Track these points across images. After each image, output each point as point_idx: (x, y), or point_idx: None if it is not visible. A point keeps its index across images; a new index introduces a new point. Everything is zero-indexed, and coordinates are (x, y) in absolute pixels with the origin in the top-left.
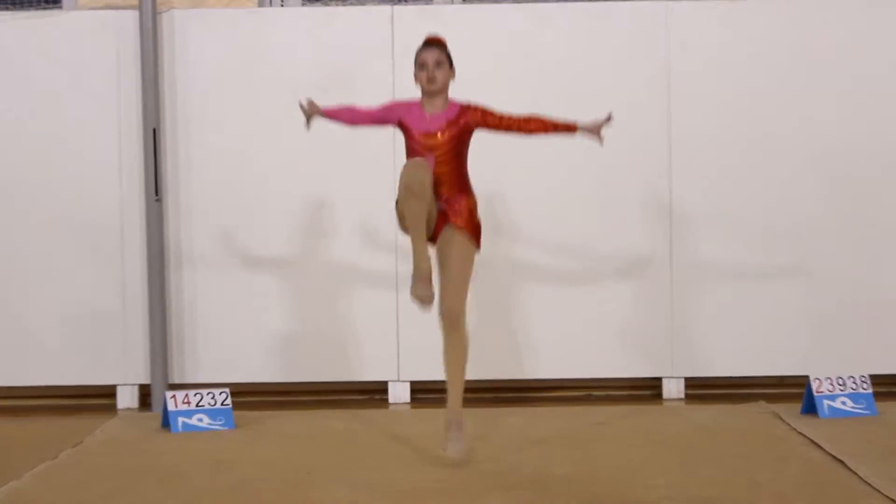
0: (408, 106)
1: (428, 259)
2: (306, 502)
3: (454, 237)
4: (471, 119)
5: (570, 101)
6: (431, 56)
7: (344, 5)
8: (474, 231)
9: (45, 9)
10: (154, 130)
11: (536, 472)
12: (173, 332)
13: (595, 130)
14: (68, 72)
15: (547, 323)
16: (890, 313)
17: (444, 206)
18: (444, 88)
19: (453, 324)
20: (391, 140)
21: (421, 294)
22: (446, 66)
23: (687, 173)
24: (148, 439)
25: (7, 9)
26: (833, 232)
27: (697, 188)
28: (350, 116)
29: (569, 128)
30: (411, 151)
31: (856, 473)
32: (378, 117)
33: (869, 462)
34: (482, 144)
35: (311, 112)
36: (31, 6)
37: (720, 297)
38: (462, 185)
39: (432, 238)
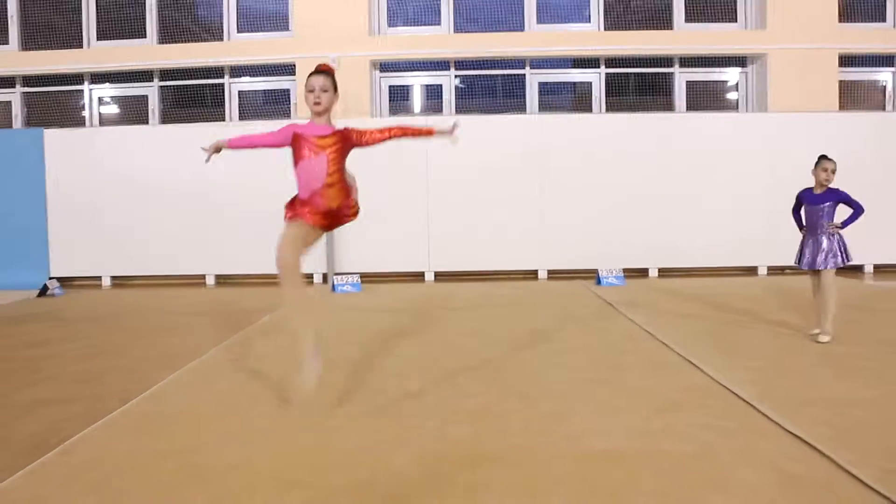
0: (301, 125)
1: (312, 367)
2: (393, 324)
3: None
4: (350, 136)
5: (510, 170)
6: (318, 82)
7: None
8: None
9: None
10: None
11: (482, 306)
12: (335, 247)
13: (449, 133)
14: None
15: (487, 241)
16: (635, 237)
17: (335, 220)
18: (328, 110)
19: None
20: (424, 156)
21: (307, 387)
22: (331, 91)
23: (550, 203)
24: (327, 296)
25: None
26: (628, 207)
27: (556, 209)
28: (251, 143)
29: (429, 132)
30: (306, 150)
31: (617, 309)
32: (276, 139)
33: (622, 304)
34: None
35: (213, 150)
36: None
37: (568, 227)
38: (345, 189)
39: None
